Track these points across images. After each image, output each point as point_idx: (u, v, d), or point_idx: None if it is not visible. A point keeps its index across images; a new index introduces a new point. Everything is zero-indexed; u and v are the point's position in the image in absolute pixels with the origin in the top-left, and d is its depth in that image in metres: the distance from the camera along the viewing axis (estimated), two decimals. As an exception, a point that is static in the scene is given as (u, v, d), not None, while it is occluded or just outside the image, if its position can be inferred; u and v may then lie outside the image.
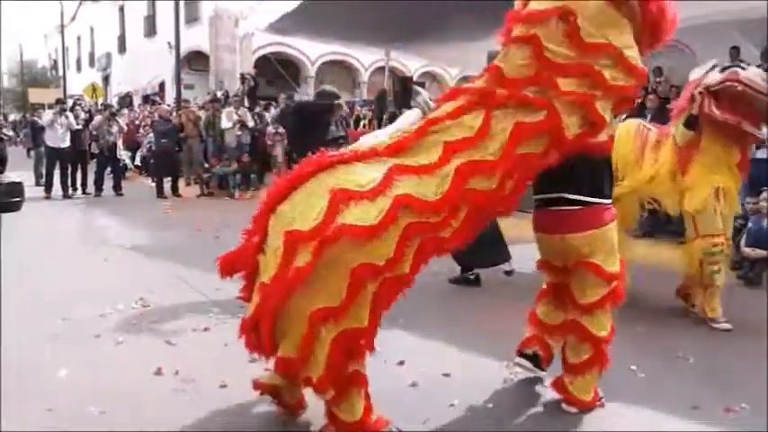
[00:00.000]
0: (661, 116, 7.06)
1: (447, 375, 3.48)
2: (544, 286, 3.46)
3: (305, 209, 2.56)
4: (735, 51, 9.62)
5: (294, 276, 2.48)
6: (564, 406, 3.14)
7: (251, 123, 12.51)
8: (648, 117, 7.70)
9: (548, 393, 3.28)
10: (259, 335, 2.64)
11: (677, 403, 3.23)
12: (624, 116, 4.74)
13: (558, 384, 3.20)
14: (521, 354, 3.44)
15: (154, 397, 3.24)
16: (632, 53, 2.85)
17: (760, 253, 5.81)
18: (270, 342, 2.60)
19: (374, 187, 2.59)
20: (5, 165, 11.64)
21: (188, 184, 13.05)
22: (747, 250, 5.91)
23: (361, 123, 15.01)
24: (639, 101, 8.14)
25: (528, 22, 2.82)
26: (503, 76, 2.83)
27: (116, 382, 3.39)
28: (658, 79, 10.22)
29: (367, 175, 2.65)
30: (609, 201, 3.17)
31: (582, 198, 3.05)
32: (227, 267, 2.79)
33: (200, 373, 3.49)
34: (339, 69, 26.52)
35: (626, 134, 4.91)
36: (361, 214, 2.52)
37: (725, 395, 3.31)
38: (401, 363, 3.64)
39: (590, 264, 3.05)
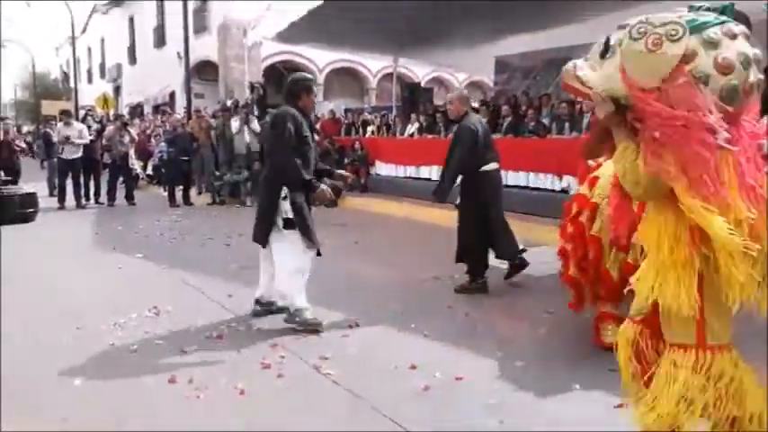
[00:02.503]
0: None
1: (460, 379, 3.47)
2: None
3: None
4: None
5: None
6: None
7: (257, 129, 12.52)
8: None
9: (561, 395, 3.28)
10: None
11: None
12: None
13: None
14: None
15: (168, 405, 3.25)
16: None
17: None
18: None
19: None
20: (19, 176, 11.77)
21: (200, 193, 13.12)
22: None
23: (369, 130, 15.05)
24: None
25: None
26: None
27: (130, 391, 3.42)
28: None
29: None
30: None
31: None
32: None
33: (215, 380, 3.51)
34: (347, 77, 26.64)
35: None
36: None
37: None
38: (413, 367, 3.64)
39: None
